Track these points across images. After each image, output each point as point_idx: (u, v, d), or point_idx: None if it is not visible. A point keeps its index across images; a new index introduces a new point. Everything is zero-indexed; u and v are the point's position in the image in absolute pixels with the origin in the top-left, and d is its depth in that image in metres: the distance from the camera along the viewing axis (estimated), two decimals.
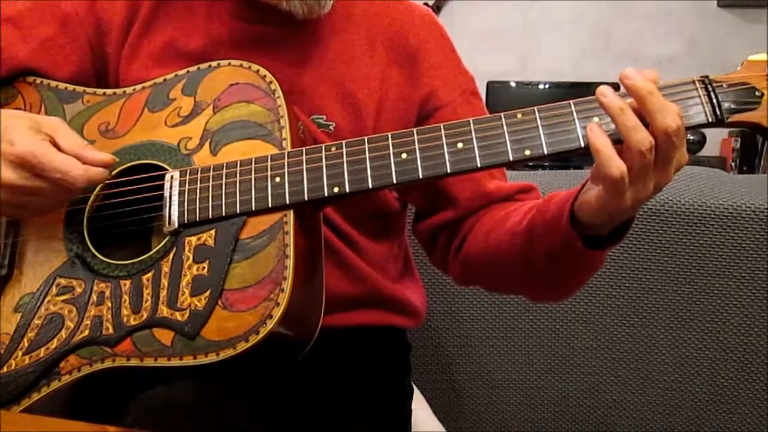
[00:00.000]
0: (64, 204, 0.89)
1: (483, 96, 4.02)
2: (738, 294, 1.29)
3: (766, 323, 1.29)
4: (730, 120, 0.76)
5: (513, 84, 3.74)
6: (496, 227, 0.96)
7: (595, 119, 0.76)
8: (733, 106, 0.76)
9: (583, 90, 3.55)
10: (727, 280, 1.29)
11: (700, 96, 0.76)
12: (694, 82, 0.77)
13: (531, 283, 0.96)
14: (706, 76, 0.77)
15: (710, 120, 0.76)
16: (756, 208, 1.27)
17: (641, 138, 0.72)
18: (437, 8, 3.82)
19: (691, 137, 3.31)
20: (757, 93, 0.76)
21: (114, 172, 0.90)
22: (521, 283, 0.97)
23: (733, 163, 3.48)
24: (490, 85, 3.65)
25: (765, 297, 1.28)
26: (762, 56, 0.77)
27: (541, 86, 3.72)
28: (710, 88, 0.76)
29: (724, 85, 0.76)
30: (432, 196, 1.02)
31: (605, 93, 0.74)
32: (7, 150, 0.82)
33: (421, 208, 1.07)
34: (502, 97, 3.62)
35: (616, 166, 0.72)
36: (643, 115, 0.73)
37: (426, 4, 3.72)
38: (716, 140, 3.69)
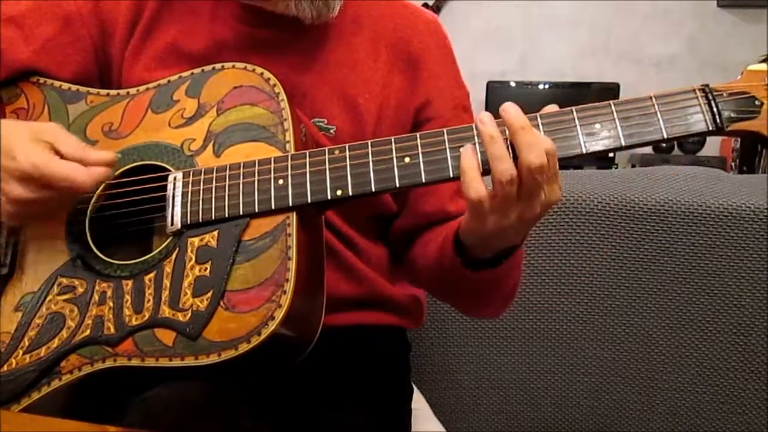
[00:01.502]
0: (72, 204, 0.90)
1: (483, 96, 4.01)
2: (738, 294, 1.29)
3: (766, 323, 1.29)
4: (729, 128, 0.78)
5: (513, 84, 3.74)
6: (434, 239, 0.99)
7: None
8: (733, 114, 0.77)
9: (583, 90, 3.56)
10: (727, 280, 1.29)
11: (700, 104, 0.78)
12: (694, 90, 0.78)
13: (448, 296, 1.02)
14: (707, 85, 0.79)
15: (710, 128, 0.78)
16: (756, 208, 1.27)
17: (503, 169, 0.75)
18: (437, 8, 3.82)
19: (691, 138, 3.31)
20: (756, 102, 0.77)
21: (117, 173, 0.90)
22: (443, 295, 1.04)
23: (733, 163, 3.48)
24: (490, 85, 3.65)
25: (765, 297, 1.28)
26: (762, 66, 0.78)
27: (540, 86, 3.72)
28: (710, 97, 0.78)
29: (725, 94, 0.78)
30: (400, 202, 1.05)
31: (483, 120, 0.77)
32: (11, 166, 0.83)
33: (397, 211, 1.08)
34: (502, 97, 3.61)
35: (474, 188, 0.76)
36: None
37: (426, 4, 3.73)
38: (716, 140, 3.70)
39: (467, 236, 0.84)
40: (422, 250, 1.01)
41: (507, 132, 0.77)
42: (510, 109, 0.76)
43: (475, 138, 0.80)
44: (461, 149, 0.78)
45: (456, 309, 1.15)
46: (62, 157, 0.84)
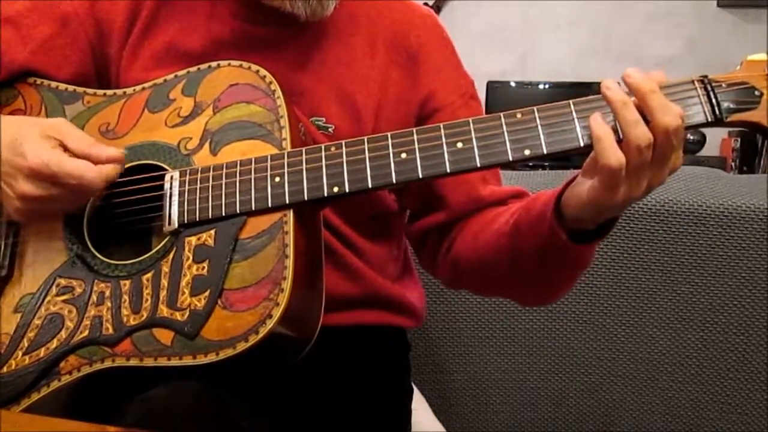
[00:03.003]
0: (84, 203, 0.90)
1: (483, 96, 4.01)
2: (738, 294, 1.29)
3: (766, 323, 1.29)
4: (729, 119, 0.76)
5: (513, 84, 3.74)
6: (484, 229, 0.97)
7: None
8: (732, 105, 0.76)
9: (583, 90, 3.55)
10: (727, 280, 1.29)
11: (699, 96, 0.77)
12: (693, 81, 0.77)
13: (518, 284, 0.96)
14: (705, 76, 0.77)
15: (709, 119, 0.76)
16: (756, 208, 1.27)
17: (641, 133, 0.73)
18: (437, 8, 3.82)
19: (691, 137, 3.31)
20: (756, 92, 0.76)
21: None
22: (508, 284, 0.98)
23: (733, 163, 3.48)
24: (490, 85, 3.64)
25: (765, 297, 1.28)
26: (762, 56, 0.77)
27: (540, 86, 3.72)
28: (709, 88, 0.77)
29: (724, 85, 0.77)
30: (425, 198, 1.03)
31: (610, 86, 0.75)
32: (21, 163, 0.83)
33: (414, 209, 1.07)
34: (502, 97, 3.62)
35: (616, 156, 0.73)
36: (644, 113, 0.73)
37: (426, 4, 3.73)
38: (716, 140, 3.69)
39: (586, 209, 0.79)
40: (462, 248, 0.99)
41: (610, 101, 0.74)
42: (634, 74, 0.74)
43: (472, 133, 0.80)
44: (590, 117, 0.75)
45: (511, 297, 1.08)
46: (71, 153, 0.85)
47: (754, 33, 3.70)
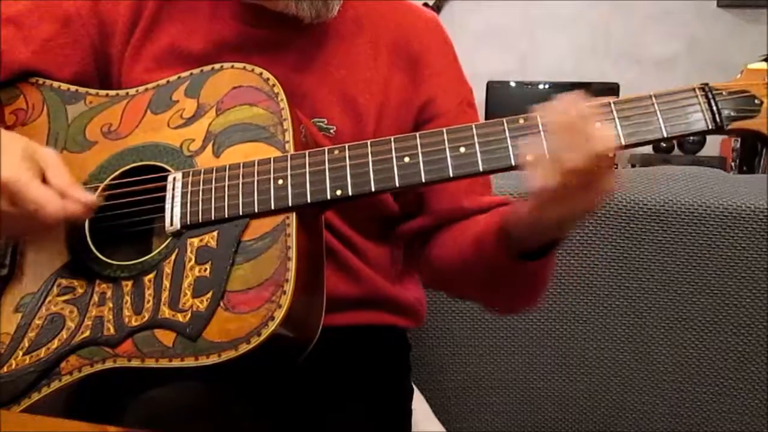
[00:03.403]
0: (38, 233, 0.88)
1: (483, 96, 4.01)
2: (738, 294, 1.29)
3: (766, 323, 1.29)
4: (729, 127, 0.78)
5: (513, 84, 3.74)
6: (462, 234, 0.98)
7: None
8: (732, 113, 0.77)
9: (583, 90, 3.55)
10: (727, 280, 1.29)
11: (700, 103, 0.78)
12: (694, 89, 0.78)
13: (486, 290, 0.99)
14: (706, 84, 0.78)
15: (710, 127, 0.77)
16: (756, 208, 1.28)
17: (570, 158, 0.74)
18: (437, 8, 3.82)
19: (692, 137, 3.31)
20: (756, 101, 0.77)
21: (116, 173, 0.90)
22: (478, 290, 1.01)
23: (733, 163, 3.48)
24: (490, 85, 3.64)
25: (765, 297, 1.29)
26: (762, 65, 0.78)
27: (541, 86, 3.72)
28: (710, 96, 0.78)
29: (724, 93, 0.78)
30: (412, 203, 1.04)
31: (543, 114, 0.79)
32: None
33: (406, 211, 1.08)
34: (502, 97, 3.61)
35: (544, 178, 0.75)
36: (575, 138, 0.75)
37: (426, 4, 3.73)
38: (716, 140, 3.70)
39: (525, 228, 0.83)
40: (440, 252, 1.01)
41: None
42: (564, 99, 0.77)
43: (475, 138, 0.81)
44: (520, 141, 0.78)
45: (482, 303, 1.12)
46: (47, 184, 0.82)
47: (754, 33, 3.70)
